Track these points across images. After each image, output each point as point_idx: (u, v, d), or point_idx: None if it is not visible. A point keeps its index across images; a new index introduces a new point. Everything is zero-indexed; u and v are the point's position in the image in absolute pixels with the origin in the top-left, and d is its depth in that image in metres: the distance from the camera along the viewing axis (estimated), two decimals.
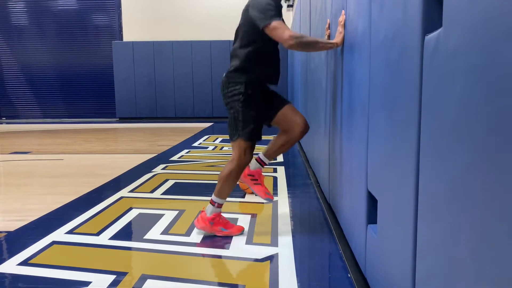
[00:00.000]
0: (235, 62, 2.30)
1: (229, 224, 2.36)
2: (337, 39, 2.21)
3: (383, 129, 1.46)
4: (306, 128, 2.51)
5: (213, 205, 2.32)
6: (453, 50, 0.90)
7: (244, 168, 2.37)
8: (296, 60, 6.55)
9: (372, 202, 1.64)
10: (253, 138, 2.31)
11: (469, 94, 0.83)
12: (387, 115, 1.41)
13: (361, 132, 1.77)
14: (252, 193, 3.19)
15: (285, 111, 2.47)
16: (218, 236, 2.34)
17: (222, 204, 2.35)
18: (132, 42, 11.08)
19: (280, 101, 2.51)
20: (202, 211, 2.35)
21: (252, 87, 2.28)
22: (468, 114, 0.83)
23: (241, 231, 2.36)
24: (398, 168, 1.29)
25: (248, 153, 2.31)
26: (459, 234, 0.88)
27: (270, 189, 3.32)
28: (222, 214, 2.37)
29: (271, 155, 2.78)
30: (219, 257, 2.15)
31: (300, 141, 5.61)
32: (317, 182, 3.49)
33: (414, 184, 1.15)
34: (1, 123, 11.39)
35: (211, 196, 2.36)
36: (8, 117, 12.23)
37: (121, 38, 11.71)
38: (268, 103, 2.43)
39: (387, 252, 1.43)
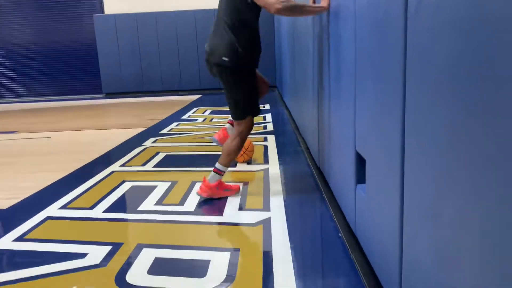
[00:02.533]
0: (234, 45, 2.27)
1: (229, 185, 2.56)
2: (323, 3, 2.19)
3: (370, 90, 1.47)
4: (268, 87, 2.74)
5: (220, 174, 2.44)
6: (436, 4, 0.90)
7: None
8: (283, 26, 6.45)
9: (360, 162, 1.68)
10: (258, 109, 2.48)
11: (452, 49, 0.84)
12: (373, 76, 1.42)
13: (348, 94, 1.78)
14: (244, 161, 3.22)
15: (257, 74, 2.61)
16: (214, 200, 2.44)
17: (225, 172, 2.51)
18: (114, 15, 10.76)
19: None
20: (204, 181, 2.44)
21: (253, 66, 2.38)
22: (452, 69, 0.84)
23: (239, 189, 2.58)
24: (385, 127, 1.31)
25: (252, 122, 2.45)
26: (445, 190, 0.91)
27: (261, 158, 3.35)
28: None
29: None
30: (213, 223, 2.19)
31: (289, 109, 5.61)
32: (307, 148, 3.52)
33: (400, 142, 1.17)
34: None
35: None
36: None
37: (102, 11, 11.37)
38: None
39: (375, 210, 1.47)
